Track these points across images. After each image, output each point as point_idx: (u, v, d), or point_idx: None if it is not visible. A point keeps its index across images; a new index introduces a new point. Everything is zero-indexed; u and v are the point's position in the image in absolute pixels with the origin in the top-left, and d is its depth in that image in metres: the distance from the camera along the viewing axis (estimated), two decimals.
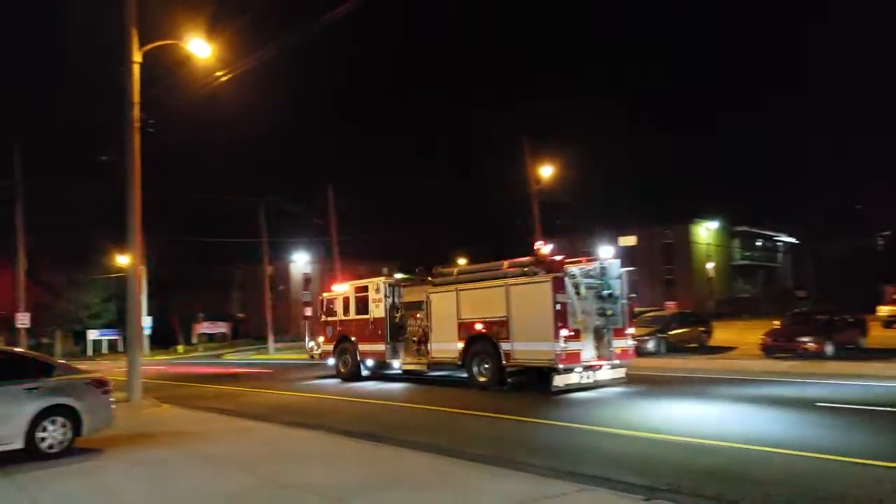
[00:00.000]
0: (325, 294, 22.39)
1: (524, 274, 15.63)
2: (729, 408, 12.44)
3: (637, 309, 29.67)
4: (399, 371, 19.89)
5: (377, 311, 19.76)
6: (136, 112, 18.19)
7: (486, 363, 16.05)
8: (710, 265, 61.86)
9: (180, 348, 56.58)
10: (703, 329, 26.98)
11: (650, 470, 7.76)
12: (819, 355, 19.61)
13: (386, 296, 19.65)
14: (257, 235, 44.44)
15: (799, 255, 68.35)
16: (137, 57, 18.26)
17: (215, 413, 14.61)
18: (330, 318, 21.51)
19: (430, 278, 18.39)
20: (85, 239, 54.14)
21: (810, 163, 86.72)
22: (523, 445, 9.73)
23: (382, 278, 20.54)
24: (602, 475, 7.50)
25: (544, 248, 16.01)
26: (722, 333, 28.80)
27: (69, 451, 9.16)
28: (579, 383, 15.01)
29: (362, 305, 20.28)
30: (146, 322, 55.30)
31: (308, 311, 47.74)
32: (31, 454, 8.81)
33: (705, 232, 64.04)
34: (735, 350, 24.61)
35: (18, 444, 8.70)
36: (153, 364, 43.78)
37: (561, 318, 14.59)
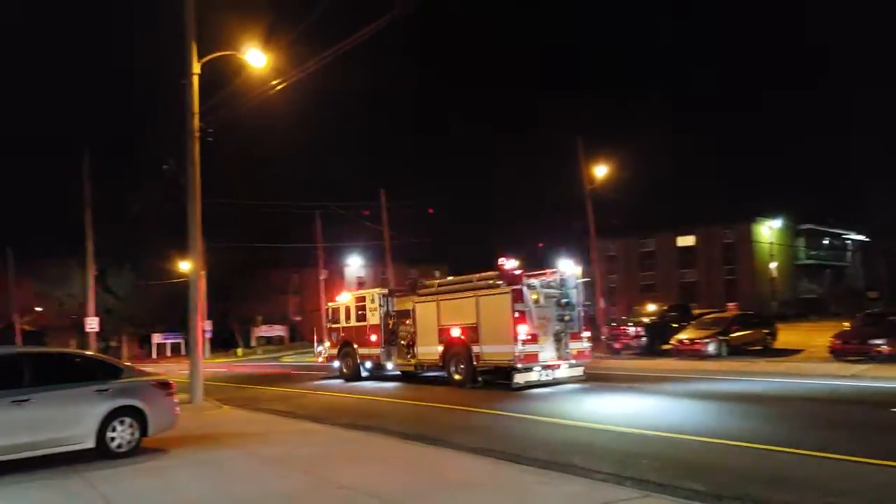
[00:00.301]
0: (329, 304, 24.59)
1: (489, 286, 17.74)
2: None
3: (696, 311, 29.20)
4: (393, 371, 21.78)
5: (373, 318, 21.70)
6: (196, 122, 18.74)
7: (461, 364, 18.12)
8: (773, 265, 59.85)
9: (240, 351, 57.94)
10: (766, 331, 26.08)
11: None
12: (893, 358, 18.71)
13: (380, 305, 21.57)
14: (314, 240, 45.14)
15: (869, 254, 65.43)
16: (196, 69, 18.82)
17: (273, 415, 14.88)
18: (334, 325, 23.50)
19: (416, 290, 20.38)
20: (149, 245, 56.02)
21: (880, 158, 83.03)
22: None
23: (377, 290, 22.70)
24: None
25: (507, 263, 17.82)
26: (787, 336, 27.79)
27: (136, 451, 9.44)
28: (538, 380, 16.96)
29: (361, 314, 22.20)
30: (207, 326, 57.00)
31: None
32: (101, 453, 9.11)
33: (768, 231, 61.97)
34: (802, 353, 23.72)
35: (90, 444, 9.02)
36: (214, 366, 45.02)
37: (519, 323, 16.60)
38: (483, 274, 18.44)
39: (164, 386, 10.17)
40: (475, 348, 17.64)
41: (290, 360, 43.74)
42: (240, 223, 61.24)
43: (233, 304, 67.46)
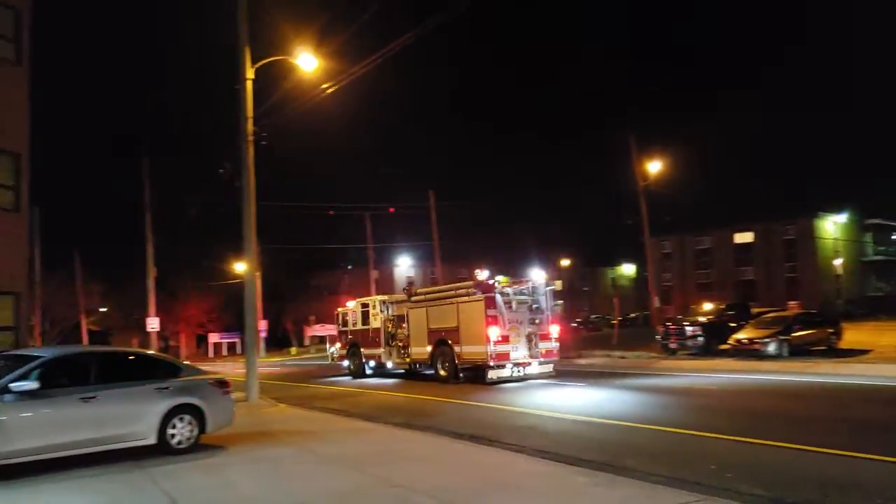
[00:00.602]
0: (339, 309, 26.93)
1: (467, 294, 19.88)
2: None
3: (755, 310, 28.33)
4: (393, 370, 24.30)
5: (375, 322, 24.22)
6: (250, 126, 19.08)
7: (446, 362, 20.47)
8: (837, 262, 57.68)
9: (294, 350, 58.99)
10: (831, 330, 25.10)
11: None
12: None
13: (381, 311, 24.05)
14: (364, 241, 45.60)
15: None
16: (250, 74, 19.17)
17: (328, 413, 15.06)
18: (343, 329, 26.33)
19: (410, 297, 22.61)
20: (206, 247, 57.52)
21: None
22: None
23: (379, 296, 25.14)
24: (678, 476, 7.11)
25: (481, 274, 20.04)
26: (854, 335, 26.70)
27: (196, 448, 9.67)
28: (510, 376, 19.24)
29: (365, 319, 24.74)
30: (262, 325, 58.16)
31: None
32: (162, 450, 9.36)
33: (832, 226, 59.75)
34: (870, 353, 22.73)
35: (152, 440, 9.28)
36: (268, 365, 45.87)
37: (490, 325, 18.84)
38: (463, 283, 20.87)
39: (222, 384, 10.39)
40: (457, 348, 19.94)
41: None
42: (293, 225, 62.37)
43: (287, 305, 68.74)
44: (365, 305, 24.83)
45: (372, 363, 24.56)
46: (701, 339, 25.67)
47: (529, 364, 19.50)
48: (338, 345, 26.98)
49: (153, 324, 32.99)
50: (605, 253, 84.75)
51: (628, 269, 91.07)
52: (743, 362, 21.88)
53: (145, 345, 36.04)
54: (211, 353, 65.59)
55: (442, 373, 20.51)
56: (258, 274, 59.51)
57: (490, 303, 19.00)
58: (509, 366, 19.15)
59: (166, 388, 9.54)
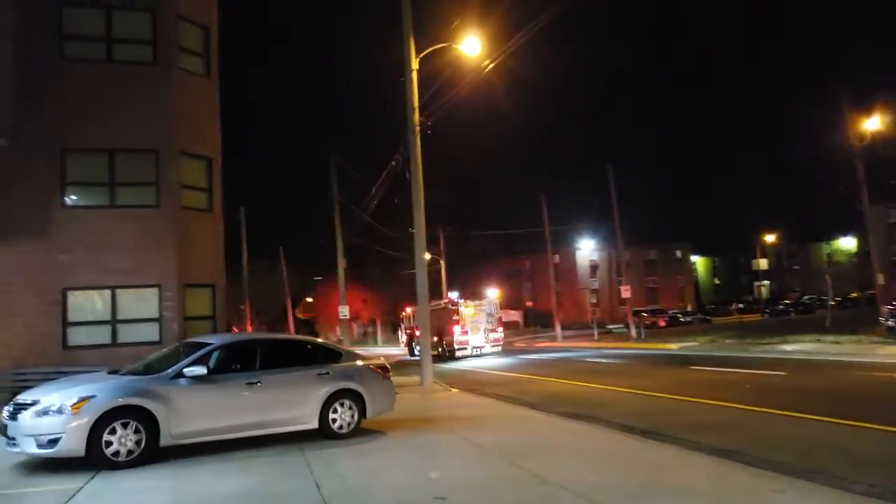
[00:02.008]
0: (402, 313, 41.90)
1: (446, 307, 34.26)
2: None
3: None
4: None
5: (413, 324, 36.80)
6: (416, 116, 19.26)
7: (441, 348, 32.00)
8: None
9: None
10: None
11: None
12: None
13: (412, 316, 37.06)
14: (548, 223, 44.66)
15: None
16: (415, 64, 19.36)
17: (495, 399, 14.79)
18: (405, 326, 40.68)
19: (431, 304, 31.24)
20: (393, 238, 60.16)
21: None
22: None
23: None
24: None
25: (451, 294, 35.70)
26: None
27: (356, 433, 9.78)
28: (470, 354, 32.38)
29: (411, 321, 37.77)
30: None
31: (593, 300, 47.29)
32: (324, 434, 9.59)
33: None
34: None
35: (314, 424, 9.53)
36: None
37: (454, 325, 32.72)
38: (445, 300, 36.73)
39: (382, 370, 10.45)
40: (445, 339, 32.69)
41: (521, 344, 44.09)
42: (472, 211, 63.22)
43: (468, 291, 70.11)
44: (410, 314, 38.57)
45: (417, 348, 32.91)
46: None
47: (483, 346, 32.96)
48: (404, 337, 41.46)
49: (343, 312, 35.05)
50: (817, 225, 76.26)
51: (847, 243, 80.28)
52: None
53: (343, 332, 38.53)
54: (404, 337, 68.76)
55: (438, 352, 30.60)
56: (442, 261, 61.51)
57: (454, 313, 33.13)
58: (468, 349, 32.53)
59: (327, 374, 9.74)
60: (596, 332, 41.15)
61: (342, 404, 9.77)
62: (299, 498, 6.61)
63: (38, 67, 15.07)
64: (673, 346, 28.50)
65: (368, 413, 10.02)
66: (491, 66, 17.64)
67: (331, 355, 10.15)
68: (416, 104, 19.46)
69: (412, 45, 19.35)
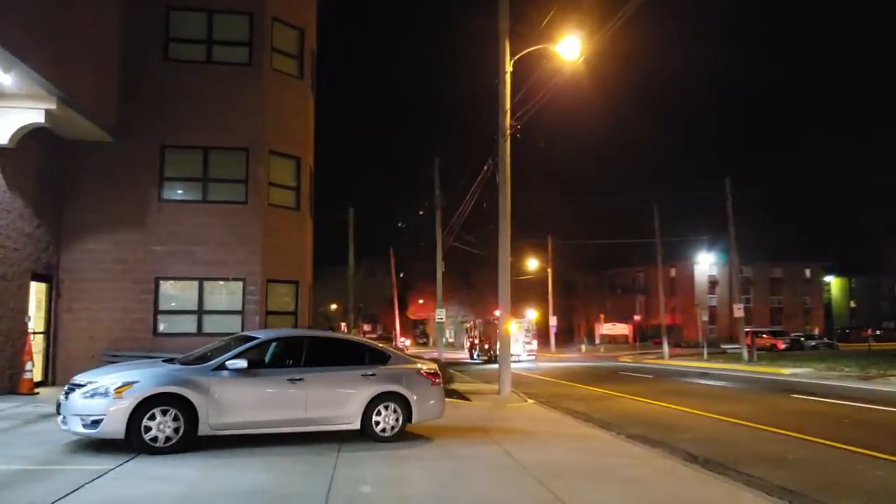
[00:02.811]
0: (467, 324, 51.38)
1: (492, 320, 38.67)
2: None
3: None
4: (477, 357, 45.15)
5: (474, 332, 48.35)
6: (508, 120, 18.89)
7: (490, 353, 40.23)
8: None
9: (583, 347, 58.28)
10: None
11: None
12: None
13: (477, 326, 47.95)
14: (662, 235, 42.69)
15: None
16: (509, 67, 19.00)
17: (566, 414, 14.14)
18: (469, 335, 49.92)
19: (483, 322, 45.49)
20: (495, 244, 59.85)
21: None
22: None
23: (478, 319, 48.89)
24: None
25: (496, 312, 28.09)
26: None
27: (400, 437, 9.56)
28: (515, 362, 31.93)
29: (473, 330, 48.72)
30: (553, 322, 58.46)
31: (705, 317, 44.75)
32: (367, 436, 9.45)
33: None
34: None
35: (356, 426, 9.40)
36: (553, 361, 45.95)
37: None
38: (493, 316, 38.77)
39: (432, 375, 10.18)
40: (492, 346, 38.62)
41: (627, 360, 42.34)
42: (585, 221, 61.76)
43: (578, 302, 68.47)
44: (474, 324, 49.74)
45: (476, 354, 45.76)
46: None
47: (520, 356, 39.02)
48: (467, 344, 50.49)
49: (440, 315, 35.04)
50: None
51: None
52: None
53: (436, 334, 38.74)
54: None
55: (488, 356, 40.95)
56: (549, 270, 60.46)
57: (494, 327, 36.85)
58: (514, 357, 33.00)
59: (373, 375, 9.59)
60: (706, 351, 38.78)
61: (387, 407, 9.59)
62: (305, 500, 6.47)
63: (144, 68, 16.06)
64: (784, 371, 26.29)
65: (414, 418, 9.78)
66: (583, 59, 16.99)
67: (379, 357, 9.99)
68: (508, 108, 19.09)
69: (507, 48, 19.01)
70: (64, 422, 8.27)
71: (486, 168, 24.82)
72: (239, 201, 16.40)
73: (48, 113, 12.83)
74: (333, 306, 62.69)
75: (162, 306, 15.95)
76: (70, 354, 15.24)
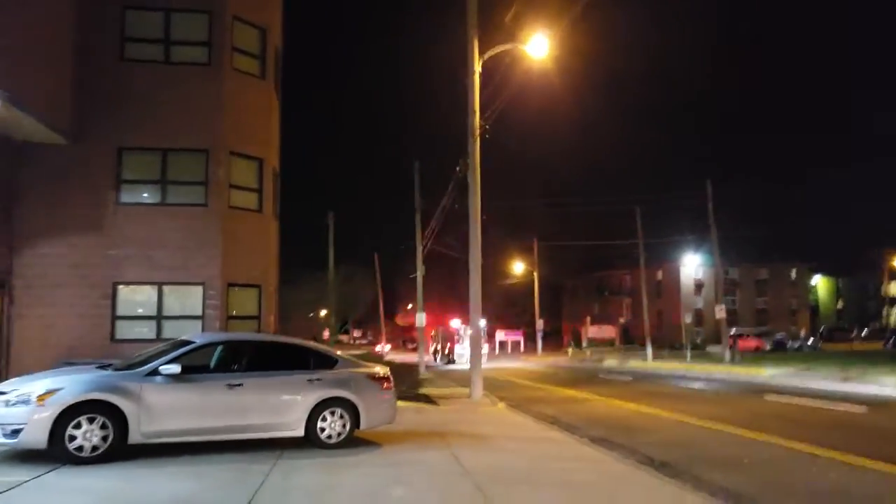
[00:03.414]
0: (432, 332, 53.52)
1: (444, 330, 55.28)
2: None
3: None
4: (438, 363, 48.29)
5: (435, 340, 54.74)
6: (477, 120, 18.65)
7: (447, 356, 49.82)
8: None
9: (570, 350, 58.02)
10: None
11: None
12: None
13: (438, 332, 55.05)
14: (647, 237, 42.50)
15: None
16: (478, 67, 18.75)
17: (532, 418, 13.83)
18: (433, 342, 54.01)
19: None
20: (486, 248, 59.64)
21: None
22: None
23: (441, 328, 56.18)
24: None
25: (452, 321, 54.41)
26: None
27: (347, 443, 9.22)
28: (464, 362, 39.40)
29: (437, 337, 54.83)
30: (539, 325, 58.16)
31: (688, 319, 44.62)
32: (311, 442, 9.10)
33: None
34: None
35: (300, 432, 9.05)
36: (538, 364, 45.70)
37: (458, 343, 51.20)
38: (447, 325, 55.10)
39: (381, 379, 9.84)
40: (449, 349, 50.12)
41: (611, 362, 42.08)
42: (570, 224, 61.61)
43: (564, 305, 68.28)
44: (436, 332, 54.84)
45: (438, 358, 50.79)
46: None
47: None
48: (432, 349, 52.60)
49: (420, 320, 34.77)
50: None
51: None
52: None
53: (419, 340, 38.35)
54: (497, 351, 67.85)
55: (445, 360, 48.36)
56: (535, 273, 60.24)
57: (456, 333, 52.48)
58: (464, 357, 40.12)
59: (318, 380, 9.25)
60: (689, 354, 38.59)
61: (332, 413, 9.24)
62: None
63: (99, 69, 15.62)
64: (763, 372, 26.07)
65: (363, 424, 9.45)
66: (552, 57, 16.86)
67: (325, 361, 9.66)
68: (477, 107, 18.86)
69: (476, 47, 18.76)
70: None
71: (458, 169, 24.60)
72: (199, 204, 15.99)
73: None
74: (324, 312, 62.17)
75: (120, 312, 15.50)
76: (23, 363, 14.73)
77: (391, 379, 10.11)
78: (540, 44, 17.90)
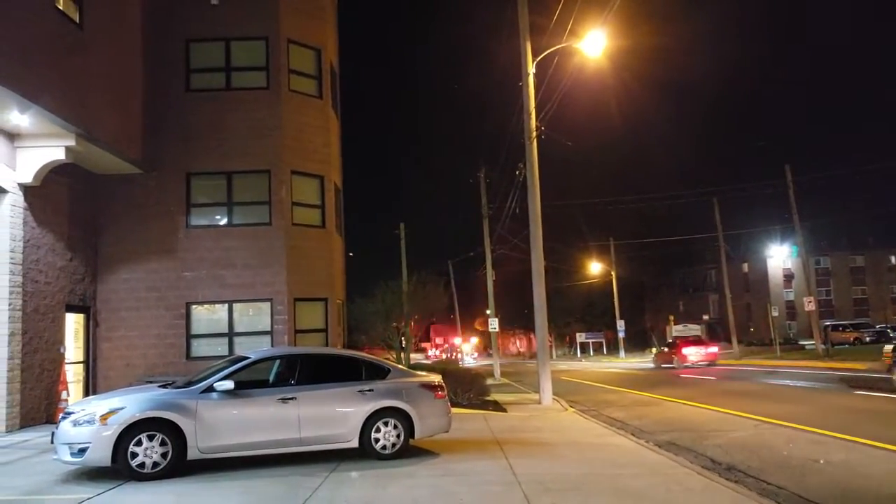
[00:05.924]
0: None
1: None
2: None
3: None
4: None
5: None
6: (533, 122, 18.47)
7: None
8: None
9: (653, 351, 56.32)
10: None
11: None
12: None
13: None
14: (729, 229, 40.82)
15: None
16: (531, 68, 18.60)
17: (601, 423, 13.48)
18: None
19: None
20: (556, 250, 58.84)
21: None
22: None
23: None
24: None
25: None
26: None
27: (403, 453, 9.23)
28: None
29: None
30: (620, 326, 56.87)
31: (775, 313, 42.37)
32: (366, 454, 9.17)
33: None
34: None
35: (354, 444, 9.14)
36: (619, 366, 44.56)
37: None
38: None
39: (434, 388, 9.82)
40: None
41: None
42: (645, 221, 59.98)
43: (646, 303, 66.38)
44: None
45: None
46: None
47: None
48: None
49: (493, 324, 34.64)
50: None
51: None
52: None
53: (492, 345, 38.19)
54: (579, 352, 66.77)
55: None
56: (613, 273, 58.92)
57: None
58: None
59: (370, 391, 9.31)
60: (778, 348, 36.74)
61: (386, 423, 9.28)
62: None
63: (167, 101, 16.48)
64: (860, 367, 24.47)
65: (417, 433, 9.44)
66: (607, 55, 16.48)
67: (377, 371, 9.71)
68: (533, 109, 18.67)
69: (529, 49, 18.62)
70: (55, 451, 8.35)
71: (517, 172, 24.39)
72: (263, 223, 16.54)
73: (68, 149, 13.24)
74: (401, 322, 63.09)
75: (194, 330, 16.21)
76: (109, 382, 15.64)
77: (444, 387, 10.07)
78: (595, 41, 17.55)
